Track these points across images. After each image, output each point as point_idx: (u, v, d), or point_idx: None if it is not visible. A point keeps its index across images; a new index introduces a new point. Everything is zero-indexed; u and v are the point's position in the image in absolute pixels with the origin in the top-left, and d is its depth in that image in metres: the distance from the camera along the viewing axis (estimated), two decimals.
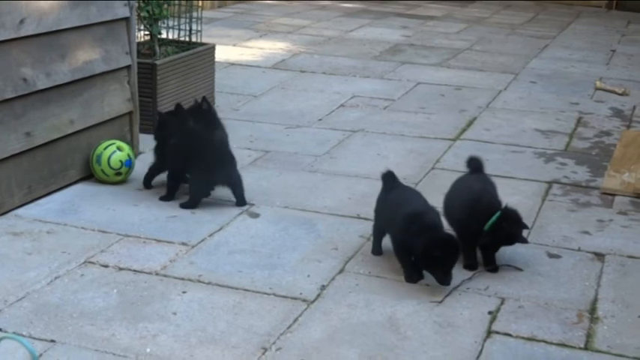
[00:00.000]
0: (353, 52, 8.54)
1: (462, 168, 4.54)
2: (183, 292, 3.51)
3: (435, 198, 4.66)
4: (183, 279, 3.63)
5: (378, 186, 4.77)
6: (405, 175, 4.95)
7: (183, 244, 3.97)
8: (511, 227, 3.76)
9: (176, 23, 6.00)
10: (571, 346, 3.23)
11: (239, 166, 5.00)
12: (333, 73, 7.57)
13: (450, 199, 4.03)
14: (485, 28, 10.47)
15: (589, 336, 3.31)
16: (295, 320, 3.33)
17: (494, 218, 3.72)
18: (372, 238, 3.98)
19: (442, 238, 3.58)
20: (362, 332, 3.27)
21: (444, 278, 3.55)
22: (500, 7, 12.33)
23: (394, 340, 3.22)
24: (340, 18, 10.72)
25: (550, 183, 5.00)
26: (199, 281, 3.62)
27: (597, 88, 7.31)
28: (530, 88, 7.31)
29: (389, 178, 3.96)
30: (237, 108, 6.29)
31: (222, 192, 4.60)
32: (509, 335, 3.29)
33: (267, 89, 6.88)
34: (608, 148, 5.70)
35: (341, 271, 3.78)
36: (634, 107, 6.80)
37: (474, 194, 3.88)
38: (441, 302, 3.50)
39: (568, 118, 6.39)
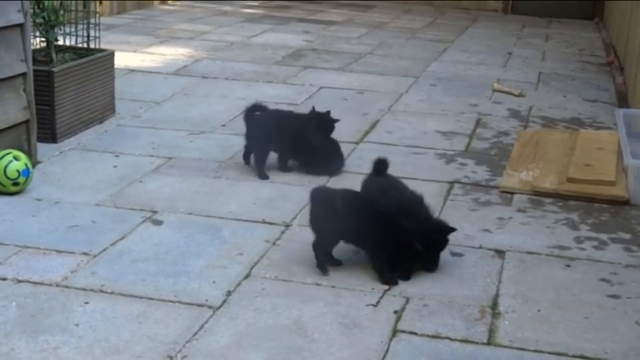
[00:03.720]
0: (255, 57, 8.53)
1: (365, 170, 4.59)
2: (86, 303, 3.43)
3: None
4: (85, 289, 3.55)
5: (283, 190, 4.80)
6: (310, 179, 4.97)
7: (85, 254, 3.88)
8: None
9: (73, 30, 5.87)
10: (474, 342, 3.30)
11: (141, 174, 4.96)
12: (235, 78, 7.54)
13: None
14: (385, 32, 10.60)
15: (491, 331, 3.38)
16: (201, 327, 3.30)
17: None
18: (315, 254, 3.84)
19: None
20: (269, 336, 3.26)
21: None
22: (400, 12, 12.51)
23: (301, 343, 3.22)
24: (242, 23, 10.70)
25: (451, 183, 5.09)
26: (102, 291, 3.54)
27: (495, 90, 7.49)
28: (430, 91, 7.44)
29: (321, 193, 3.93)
30: (138, 115, 6.20)
31: (128, 199, 4.53)
32: (415, 334, 3.33)
33: (169, 95, 6.81)
34: (507, 147, 5.84)
35: (247, 276, 3.76)
36: (530, 108, 6.99)
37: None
38: (348, 303, 3.53)
39: (468, 120, 6.52)
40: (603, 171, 5.11)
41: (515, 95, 7.34)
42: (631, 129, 5.71)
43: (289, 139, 5.15)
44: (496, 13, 12.88)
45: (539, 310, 3.57)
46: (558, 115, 6.81)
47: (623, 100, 7.26)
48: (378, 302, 3.52)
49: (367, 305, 3.50)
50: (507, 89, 7.47)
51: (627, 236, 4.41)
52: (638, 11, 7.08)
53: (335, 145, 5.25)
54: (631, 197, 4.85)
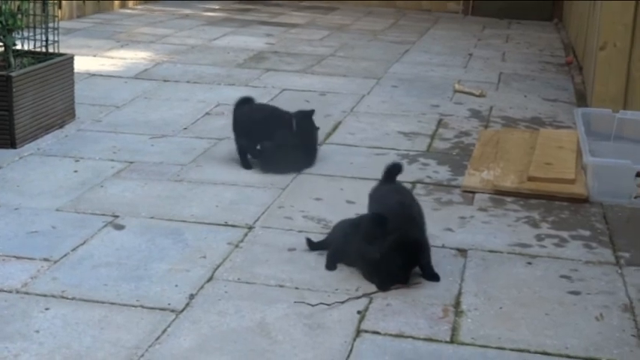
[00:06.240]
0: (217, 60, 8.50)
1: (328, 172, 4.61)
2: (46, 309, 3.39)
3: (303, 202, 4.70)
4: (45, 295, 3.51)
5: (245, 192, 4.79)
6: (273, 181, 4.96)
7: (45, 259, 3.84)
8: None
9: (32, 34, 5.81)
10: (437, 340, 3.31)
11: (102, 178, 4.92)
12: (197, 81, 7.52)
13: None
14: (347, 34, 10.63)
15: (454, 329, 3.40)
16: (164, 331, 3.28)
17: None
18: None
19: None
20: (232, 339, 3.24)
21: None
22: (361, 14, 12.55)
23: (265, 345, 3.21)
24: (203, 26, 10.66)
25: (414, 183, 5.11)
26: (63, 297, 3.51)
27: (456, 91, 7.54)
28: (392, 92, 7.47)
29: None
30: (99, 119, 6.15)
31: (88, 203, 4.49)
32: (378, 333, 3.34)
33: (130, 99, 6.76)
34: (468, 147, 5.88)
35: (210, 279, 3.74)
36: (491, 108, 7.05)
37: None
38: (310, 305, 3.52)
39: (429, 120, 6.56)
40: (563, 169, 5.17)
41: (476, 95, 7.39)
42: (590, 127, 5.78)
43: (254, 133, 5.20)
44: (457, 15, 12.98)
45: (501, 308, 3.59)
46: (519, 115, 6.87)
47: (581, 100, 7.34)
48: (332, 304, 3.53)
49: (319, 304, 3.50)
50: (468, 90, 7.52)
51: (587, 233, 4.46)
52: (596, 11, 7.17)
53: (300, 143, 5.22)
54: (590, 195, 4.91)
